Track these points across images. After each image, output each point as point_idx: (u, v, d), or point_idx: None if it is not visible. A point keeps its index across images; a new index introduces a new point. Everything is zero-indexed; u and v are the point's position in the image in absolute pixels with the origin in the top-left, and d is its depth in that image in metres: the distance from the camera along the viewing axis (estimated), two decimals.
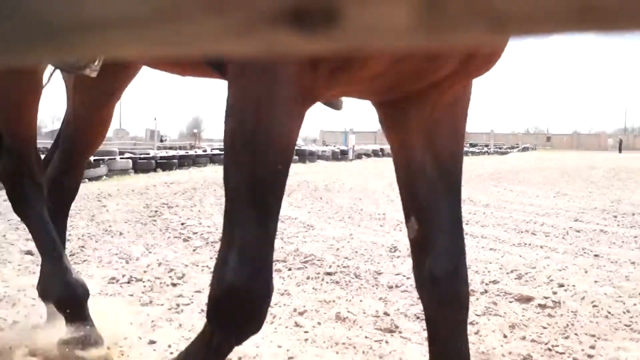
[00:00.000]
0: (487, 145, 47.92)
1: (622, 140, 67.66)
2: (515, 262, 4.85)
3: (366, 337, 3.06)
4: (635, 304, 3.70)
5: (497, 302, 3.75)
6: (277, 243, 5.52)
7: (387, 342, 3.01)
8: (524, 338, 3.11)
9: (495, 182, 14.36)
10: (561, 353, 2.88)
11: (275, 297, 3.77)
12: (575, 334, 3.17)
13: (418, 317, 3.43)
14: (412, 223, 1.73)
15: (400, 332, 3.19)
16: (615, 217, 7.93)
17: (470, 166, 22.40)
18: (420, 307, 3.62)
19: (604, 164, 26.38)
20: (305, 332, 3.14)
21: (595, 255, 5.20)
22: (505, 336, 3.16)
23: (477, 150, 42.55)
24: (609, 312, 3.54)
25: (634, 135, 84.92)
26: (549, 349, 2.94)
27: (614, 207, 9.12)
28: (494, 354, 2.90)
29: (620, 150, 61.38)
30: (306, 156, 22.87)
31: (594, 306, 3.65)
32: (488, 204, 9.16)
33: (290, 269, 4.51)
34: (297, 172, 16.23)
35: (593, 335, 3.15)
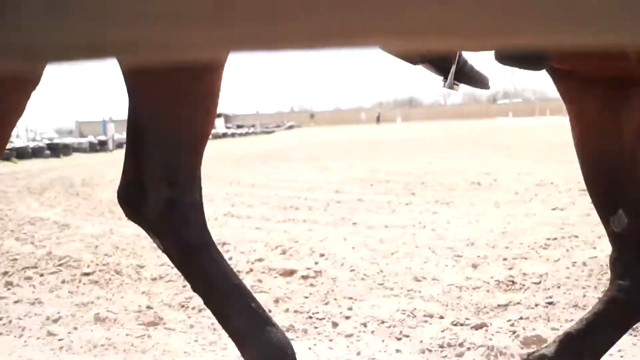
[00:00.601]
0: (253, 126, 49.04)
1: (380, 113, 73.72)
2: (280, 238, 5.08)
3: (127, 335, 3.00)
4: (387, 264, 4.11)
5: (262, 279, 3.91)
6: (27, 248, 5.17)
7: (149, 336, 2.98)
8: (287, 310, 3.29)
9: (261, 161, 14.82)
10: (321, 319, 3.10)
11: (24, 308, 3.55)
12: (335, 299, 3.43)
13: (183, 306, 3.46)
14: (620, 216, 1.69)
15: (164, 324, 3.18)
16: (372, 185, 8.67)
17: (237, 147, 22.84)
18: (185, 295, 3.66)
19: (363, 137, 28.55)
20: (60, 339, 2.99)
21: (354, 223, 5.66)
22: (270, 311, 3.31)
23: (244, 132, 43.42)
24: (365, 275, 3.88)
25: (390, 108, 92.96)
26: (310, 317, 3.15)
27: (370, 176, 9.97)
28: None
29: (378, 122, 67.02)
30: (60, 150, 21.45)
31: (352, 270, 3.97)
32: (254, 184, 9.44)
33: (42, 275, 4.23)
34: (50, 168, 15.19)
35: (351, 298, 3.44)
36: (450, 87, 1.91)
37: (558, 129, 29.63)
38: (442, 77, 1.90)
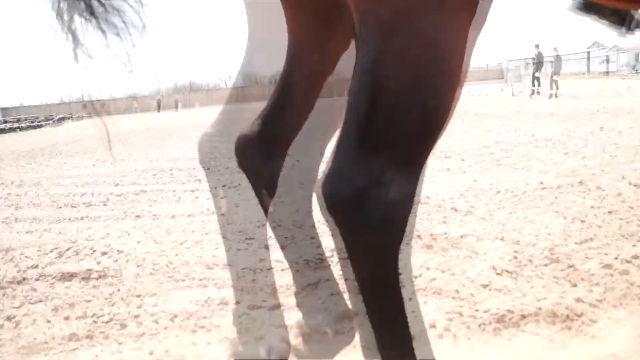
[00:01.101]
0: (18, 120, 45.27)
1: (160, 100, 72.00)
2: (55, 240, 4.72)
3: None
4: (176, 255, 3.98)
5: (37, 287, 3.59)
6: None
7: None
8: (68, 318, 3.05)
9: (29, 159, 13.70)
10: (107, 322, 2.92)
11: None
12: (122, 299, 3.24)
13: None
14: None
15: None
16: (155, 175, 8.41)
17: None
18: None
19: (142, 126, 27.69)
20: None
21: (137, 216, 5.42)
22: (49, 321, 3.05)
23: (7, 127, 39.92)
24: (153, 269, 3.73)
25: (168, 94, 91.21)
26: (95, 322, 2.95)
27: (152, 165, 9.66)
28: (35, 344, 2.77)
29: (159, 110, 65.52)
30: None
31: (138, 266, 3.80)
32: (21, 184, 8.69)
33: None
34: None
35: (139, 295, 3.28)
36: (635, 29, 2.19)
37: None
38: (619, 27, 2.20)
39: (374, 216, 1.35)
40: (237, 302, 3.05)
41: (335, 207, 1.39)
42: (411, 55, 1.31)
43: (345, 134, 1.36)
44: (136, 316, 2.97)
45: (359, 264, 1.44)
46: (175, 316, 2.91)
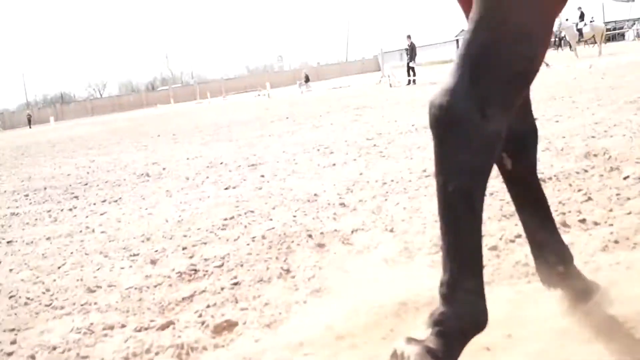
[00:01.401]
0: None
1: (30, 115, 68.60)
2: None
3: None
4: (54, 280, 3.73)
5: None
6: None
7: None
8: None
9: None
10: None
11: None
12: None
13: None
14: None
15: None
16: (27, 195, 7.93)
17: None
18: None
19: (6, 144, 26.30)
20: None
21: (8, 242, 5.05)
22: None
23: None
24: (28, 298, 3.46)
25: (38, 108, 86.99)
26: None
27: (24, 185, 9.12)
28: None
29: (30, 125, 62.39)
30: None
31: (11, 297, 3.52)
32: None
33: None
34: None
35: (13, 329, 3.02)
36: None
37: (220, 109, 30.88)
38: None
39: (480, 135, 1.53)
40: (123, 326, 2.87)
41: (449, 120, 1.54)
42: (520, 11, 1.55)
43: (461, 65, 1.56)
44: (9, 354, 2.72)
45: (450, 176, 1.57)
46: (55, 348, 2.69)
